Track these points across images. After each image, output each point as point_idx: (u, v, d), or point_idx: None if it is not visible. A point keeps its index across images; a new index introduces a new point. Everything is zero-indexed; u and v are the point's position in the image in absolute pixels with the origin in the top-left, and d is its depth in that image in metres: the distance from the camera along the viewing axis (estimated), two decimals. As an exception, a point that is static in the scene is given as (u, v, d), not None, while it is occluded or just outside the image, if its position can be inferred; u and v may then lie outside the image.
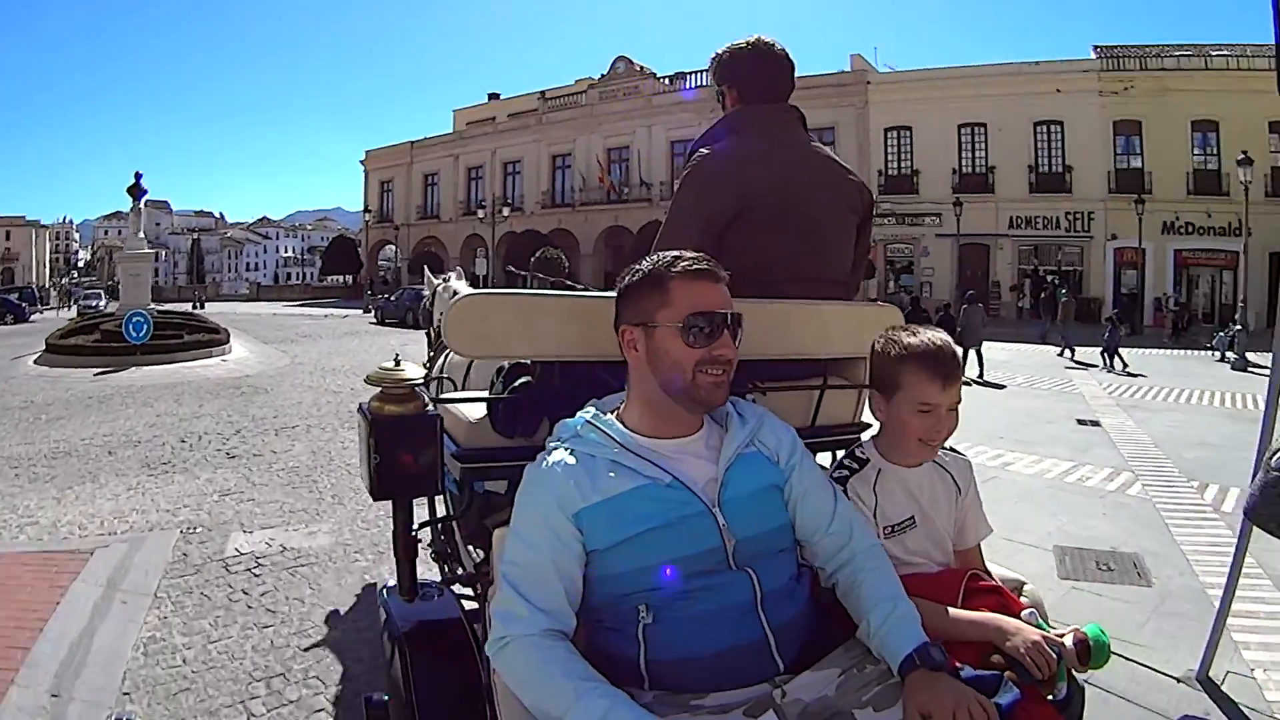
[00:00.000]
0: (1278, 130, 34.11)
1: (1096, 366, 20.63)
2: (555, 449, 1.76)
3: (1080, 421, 12.19)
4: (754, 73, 2.62)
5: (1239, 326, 22.68)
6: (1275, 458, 1.79)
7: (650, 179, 45.61)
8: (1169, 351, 26.56)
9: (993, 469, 8.54)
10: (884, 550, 1.87)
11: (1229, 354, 22.73)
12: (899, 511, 2.05)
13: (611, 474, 1.69)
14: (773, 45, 2.64)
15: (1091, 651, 1.76)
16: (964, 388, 2.11)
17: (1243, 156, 23.87)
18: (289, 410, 11.75)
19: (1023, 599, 1.99)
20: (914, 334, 2.04)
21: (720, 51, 2.68)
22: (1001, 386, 16.38)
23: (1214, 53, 37.02)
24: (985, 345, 18.91)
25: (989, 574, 2.08)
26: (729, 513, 1.69)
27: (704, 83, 44.20)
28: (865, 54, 42.91)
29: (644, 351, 1.77)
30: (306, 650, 4.17)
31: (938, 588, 1.92)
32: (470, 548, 2.94)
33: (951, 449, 2.18)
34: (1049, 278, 36.18)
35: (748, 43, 2.64)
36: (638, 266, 1.80)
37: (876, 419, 2.14)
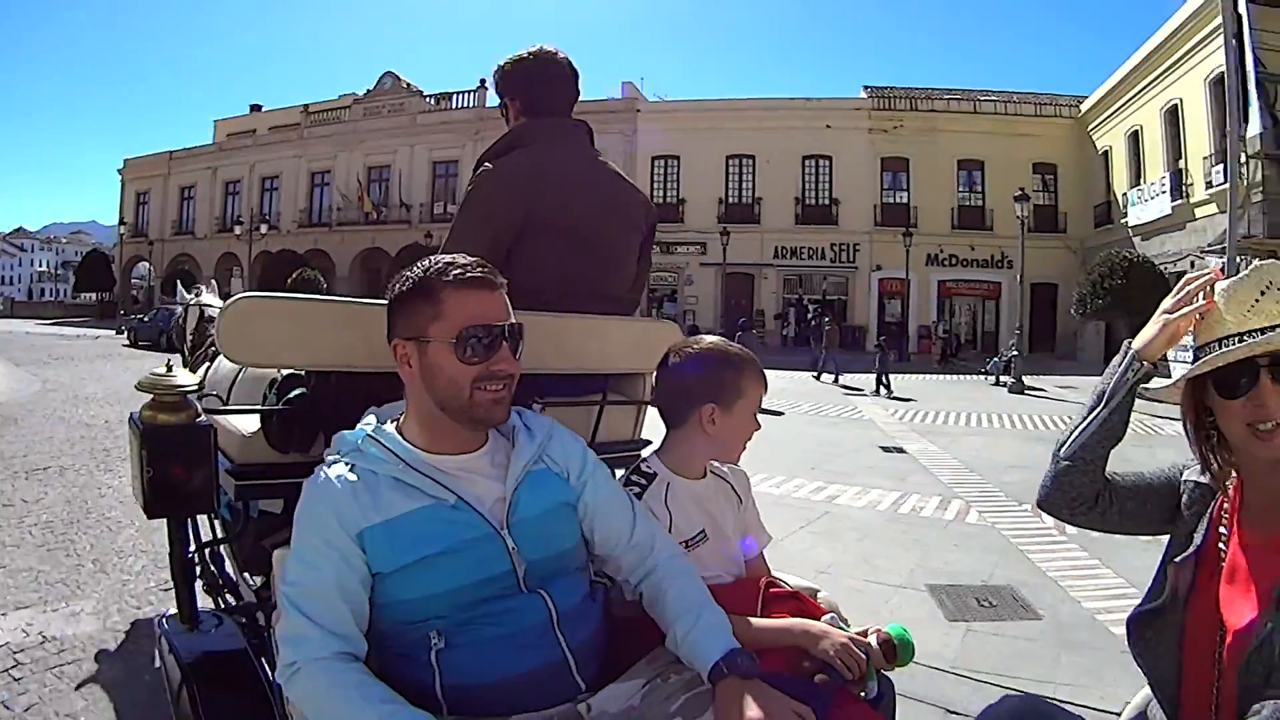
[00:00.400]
0: (1039, 171, 37.19)
1: (863, 391, 20.75)
2: (334, 463, 1.64)
3: (885, 449, 11.97)
4: (537, 84, 2.58)
5: (1015, 352, 23.16)
6: (1062, 449, 1.73)
7: (410, 200, 43.25)
8: (941, 377, 27.36)
9: (820, 503, 8.13)
10: (686, 559, 1.85)
11: (1004, 378, 23.62)
12: (691, 525, 2.01)
13: (394, 492, 1.58)
14: (555, 54, 2.61)
15: (897, 650, 1.84)
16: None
17: (1020, 193, 24.72)
18: (40, 447, 10.35)
19: (820, 604, 2.03)
20: (729, 343, 2.07)
21: (502, 63, 2.63)
22: (779, 413, 15.74)
23: (982, 98, 39.40)
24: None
25: (782, 581, 2.09)
26: (518, 535, 1.63)
27: (469, 103, 42.42)
28: (636, 83, 42.47)
29: (418, 368, 1.64)
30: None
31: (737, 597, 1.88)
32: (246, 575, 2.78)
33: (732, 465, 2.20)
34: (811, 306, 36.44)
35: (530, 53, 2.60)
36: (407, 274, 1.67)
37: (697, 434, 2.02)
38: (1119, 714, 2.36)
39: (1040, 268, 34.26)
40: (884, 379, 20.83)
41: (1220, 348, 1.49)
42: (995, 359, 25.68)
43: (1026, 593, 5.37)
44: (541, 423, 1.85)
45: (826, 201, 38.29)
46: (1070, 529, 6.56)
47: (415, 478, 1.59)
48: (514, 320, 1.66)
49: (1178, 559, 1.63)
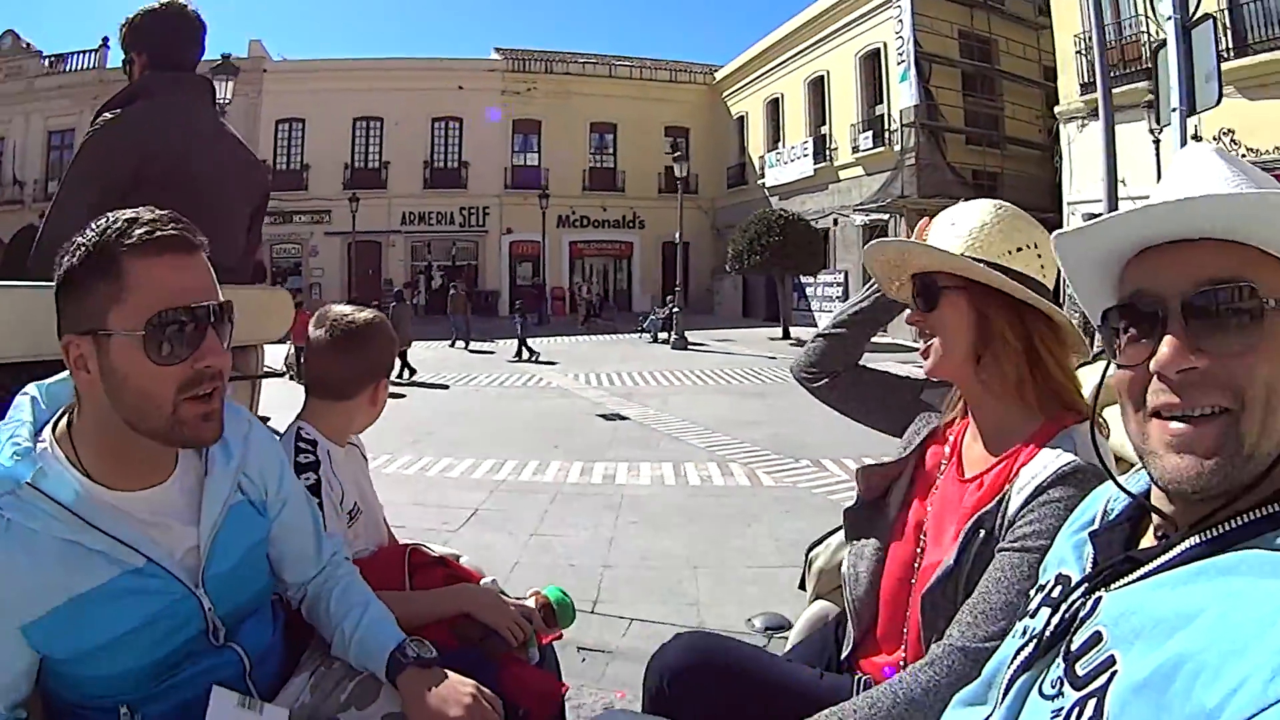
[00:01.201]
0: (671, 134, 37.77)
1: (506, 357, 20.46)
2: None
3: (605, 417, 11.69)
4: (165, 38, 2.47)
5: (676, 309, 23.79)
6: (825, 326, 1.98)
7: (24, 176, 35.19)
8: (591, 337, 27.12)
9: (610, 490, 7.45)
10: (345, 558, 1.71)
11: (661, 335, 24.45)
12: (350, 497, 1.91)
13: (62, 565, 1.21)
14: (185, 7, 2.52)
15: (557, 613, 1.92)
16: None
17: (678, 153, 25.90)
18: None
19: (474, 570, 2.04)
20: (383, 315, 2.01)
21: (132, 16, 2.49)
22: (445, 387, 15.54)
23: (617, 63, 39.42)
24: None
25: (426, 547, 2.03)
26: (214, 589, 1.37)
27: (89, 64, 38.05)
28: (262, 42, 37.30)
29: (97, 373, 1.24)
30: None
31: (383, 568, 1.84)
32: None
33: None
34: (438, 275, 35.19)
35: (160, 4, 2.47)
36: (79, 240, 1.24)
37: (374, 405, 1.98)
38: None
39: (672, 227, 35.19)
40: (525, 343, 20.48)
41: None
42: (653, 316, 25.87)
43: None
44: (237, 425, 1.48)
45: (456, 165, 36.40)
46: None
47: (93, 538, 1.22)
48: (222, 297, 1.31)
49: (893, 463, 1.76)
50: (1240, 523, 0.86)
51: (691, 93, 39.18)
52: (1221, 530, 0.87)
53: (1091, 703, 0.85)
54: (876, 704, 1.31)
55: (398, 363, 16.11)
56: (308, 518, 1.62)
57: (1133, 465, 1.37)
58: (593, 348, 23.69)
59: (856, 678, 1.63)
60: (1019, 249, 1.56)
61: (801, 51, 31.26)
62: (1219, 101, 6.07)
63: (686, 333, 22.92)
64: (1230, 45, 15.57)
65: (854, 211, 26.71)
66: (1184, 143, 5.80)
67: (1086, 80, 19.14)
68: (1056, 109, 21.46)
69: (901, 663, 1.54)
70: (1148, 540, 0.99)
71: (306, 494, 1.68)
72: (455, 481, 7.83)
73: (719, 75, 38.54)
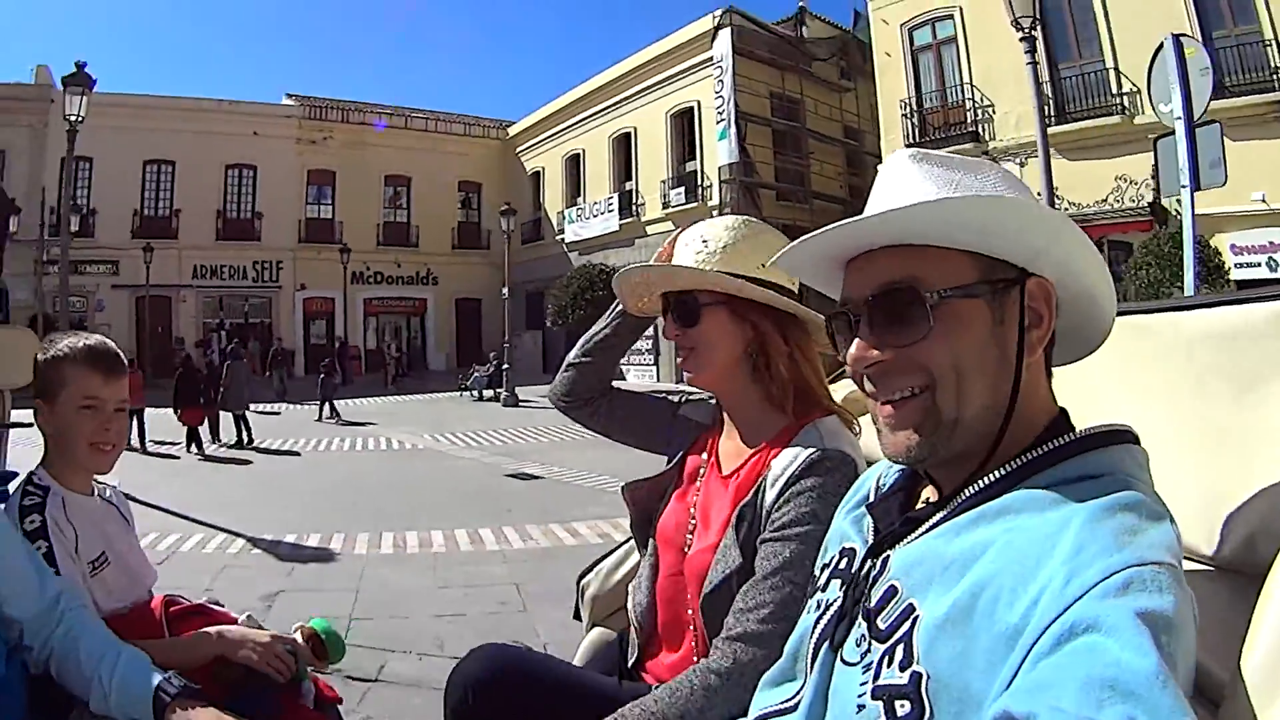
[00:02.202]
0: (465, 189, 37.77)
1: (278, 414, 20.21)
2: None
3: (516, 476, 11.40)
4: None
5: (506, 365, 23.12)
6: (574, 356, 1.99)
7: None
8: (407, 397, 26.35)
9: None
10: (88, 608, 1.64)
11: (486, 392, 24.30)
12: (94, 546, 1.81)
13: None
14: None
15: (326, 645, 1.83)
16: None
17: (506, 207, 25.29)
18: None
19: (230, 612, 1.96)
20: (72, 335, 1.90)
21: None
22: (296, 454, 14.51)
23: (412, 114, 38.74)
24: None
25: (182, 597, 1.97)
26: None
27: None
28: (49, 69, 33.07)
29: None
30: None
31: (140, 624, 1.77)
32: None
33: (112, 486, 2.02)
34: (222, 334, 32.77)
35: None
36: None
37: (45, 437, 1.85)
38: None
39: (464, 284, 35.96)
40: (331, 404, 20.07)
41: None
42: (476, 373, 25.43)
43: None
44: None
45: (250, 215, 34.58)
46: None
47: None
48: None
49: (661, 474, 1.84)
50: (1001, 474, 0.95)
51: (484, 147, 38.88)
52: (988, 481, 0.95)
53: (900, 648, 0.90)
54: (675, 692, 1.37)
55: (233, 427, 15.45)
56: (19, 551, 1.58)
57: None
58: (417, 407, 23.09)
59: (642, 686, 1.65)
60: (770, 262, 1.50)
61: (607, 109, 31.49)
62: (1224, 183, 7.63)
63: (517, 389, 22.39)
64: (1052, 114, 18.06)
65: (657, 267, 26.89)
66: (1193, 214, 7.62)
67: (911, 140, 21.69)
68: (880, 167, 22.50)
69: (696, 658, 1.58)
70: (922, 506, 1.06)
71: (11, 527, 1.64)
72: (485, 555, 7.11)
73: (512, 131, 38.45)
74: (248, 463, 13.61)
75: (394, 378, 30.80)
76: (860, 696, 0.93)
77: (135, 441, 14.16)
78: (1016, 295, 0.97)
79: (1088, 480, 0.89)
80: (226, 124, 33.85)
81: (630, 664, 1.75)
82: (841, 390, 1.94)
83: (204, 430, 14.74)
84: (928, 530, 0.98)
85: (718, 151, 25.90)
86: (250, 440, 15.35)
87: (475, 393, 24.83)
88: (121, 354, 1.94)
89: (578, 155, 33.59)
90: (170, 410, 14.55)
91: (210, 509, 8.78)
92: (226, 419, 15.60)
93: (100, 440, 1.84)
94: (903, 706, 0.87)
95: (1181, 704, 0.67)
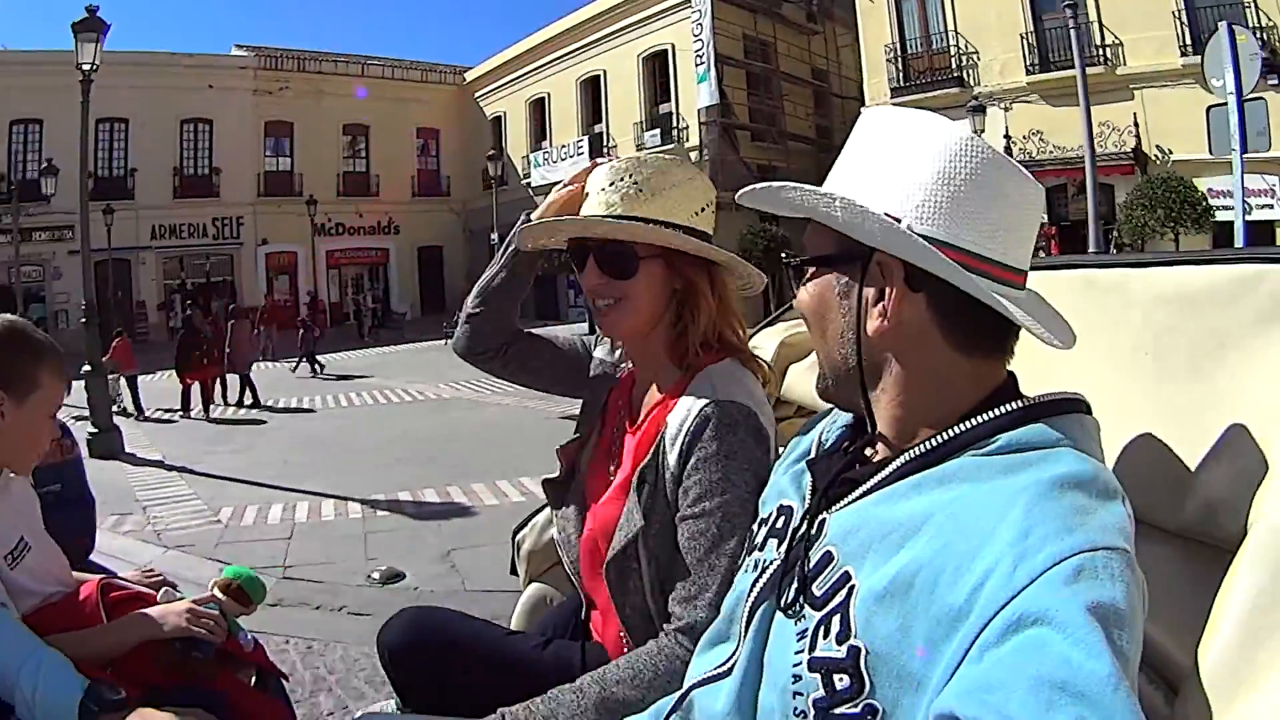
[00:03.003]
0: (423, 136, 37.78)
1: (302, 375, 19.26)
2: None
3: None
4: None
5: None
6: (471, 301, 1.85)
7: None
8: (392, 348, 25.85)
9: None
10: (4, 607, 1.51)
11: None
12: (11, 534, 1.65)
13: None
14: None
15: (246, 591, 1.80)
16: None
17: (492, 153, 26.32)
18: None
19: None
20: (30, 325, 1.76)
21: None
22: (311, 410, 14.22)
23: (369, 63, 37.44)
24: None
25: (123, 581, 1.86)
26: None
27: None
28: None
29: None
30: None
31: (74, 612, 1.66)
32: None
33: None
34: (182, 295, 31.31)
35: None
36: None
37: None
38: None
39: (426, 232, 35.02)
40: (314, 358, 19.74)
41: None
42: (458, 318, 24.40)
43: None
44: None
45: (207, 171, 32.91)
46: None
47: None
48: None
49: (581, 422, 1.79)
50: (943, 439, 0.93)
51: (442, 93, 37.80)
52: (931, 445, 0.93)
53: (836, 618, 0.89)
54: (639, 673, 1.33)
55: (237, 387, 14.85)
56: None
57: (795, 406, 1.90)
58: (405, 357, 22.57)
59: (584, 645, 1.63)
60: (702, 209, 1.58)
61: (572, 52, 31.08)
62: (1269, 148, 9.00)
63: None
64: (1036, 62, 19.58)
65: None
66: (1243, 172, 8.92)
67: (897, 85, 22.32)
68: (863, 109, 23.40)
69: (622, 634, 1.52)
70: (862, 468, 1.04)
71: None
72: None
73: (469, 76, 37.47)
74: (262, 422, 13.06)
75: (371, 328, 30.18)
76: (796, 666, 0.91)
77: (130, 408, 13.76)
78: (859, 269, 1.00)
79: (1034, 451, 0.87)
80: (179, 78, 31.95)
81: (583, 619, 1.72)
82: (789, 330, 2.03)
83: (197, 393, 14.08)
84: (866, 494, 0.97)
85: (697, 93, 25.86)
86: (256, 401, 14.74)
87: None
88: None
89: (542, 99, 33.06)
90: (156, 375, 14.05)
91: (291, 475, 8.31)
92: (229, 382, 15.05)
93: (44, 449, 1.78)
94: (841, 680, 0.86)
95: (1133, 707, 0.65)
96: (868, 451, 1.05)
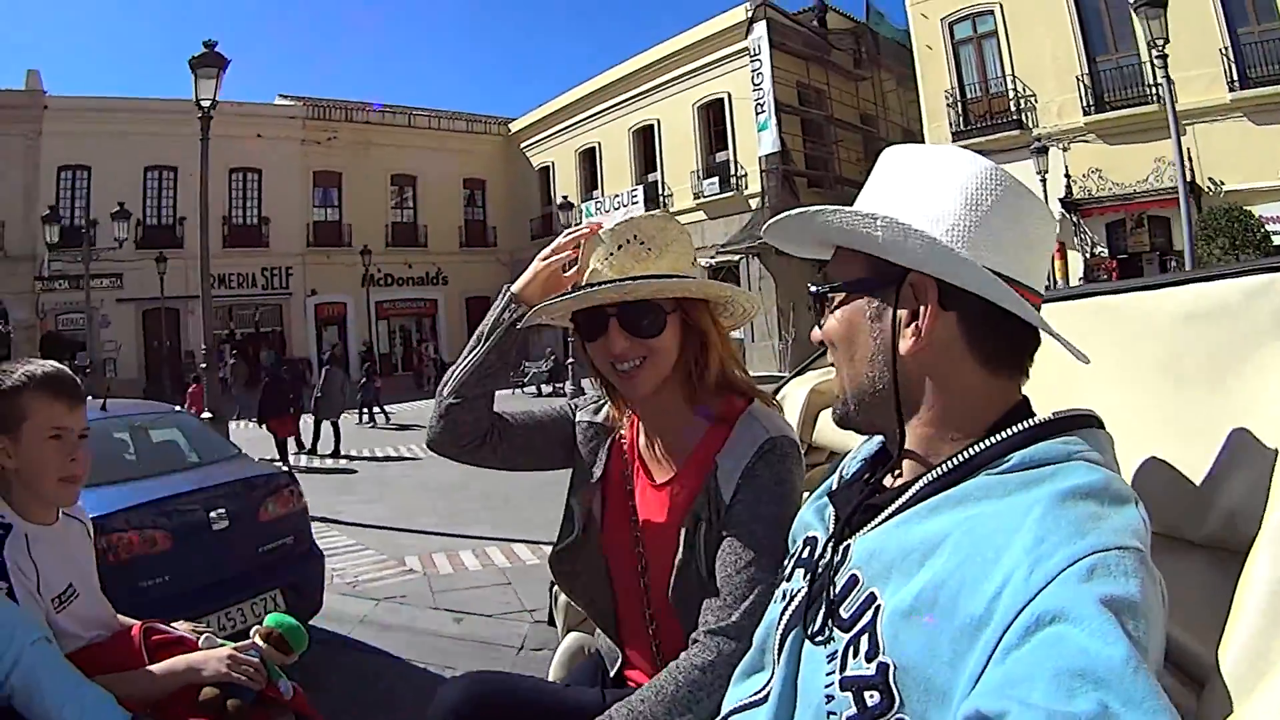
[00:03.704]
0: (470, 187, 37.12)
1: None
2: None
3: None
4: None
5: (571, 359, 22.57)
6: (446, 388, 1.72)
7: None
8: None
9: None
10: (51, 642, 1.59)
11: (545, 387, 24.48)
12: (60, 579, 1.76)
13: None
14: None
15: (288, 639, 1.84)
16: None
17: (563, 201, 26.08)
18: None
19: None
20: (24, 363, 1.79)
21: None
22: (409, 458, 13.82)
23: (415, 112, 37.41)
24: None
25: (166, 627, 1.92)
26: None
27: None
28: (40, 73, 31.28)
29: None
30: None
31: (121, 654, 1.75)
32: None
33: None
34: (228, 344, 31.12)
35: None
36: None
37: (7, 472, 1.73)
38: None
39: (473, 282, 34.18)
40: (377, 405, 19.34)
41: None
42: (534, 369, 25.11)
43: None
44: None
45: (256, 220, 32.38)
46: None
47: None
48: None
49: (581, 490, 1.71)
50: (958, 462, 0.94)
51: (487, 144, 37.51)
52: (945, 470, 0.94)
53: (864, 638, 0.89)
54: (661, 690, 1.33)
55: (326, 436, 14.62)
56: None
57: (827, 452, 2.01)
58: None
59: (629, 690, 1.53)
60: (694, 260, 1.60)
61: (624, 102, 31.08)
62: None
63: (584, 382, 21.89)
64: (1092, 103, 20.09)
65: (704, 254, 26.65)
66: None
67: (958, 129, 22.51)
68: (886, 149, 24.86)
69: (661, 659, 1.52)
70: (883, 495, 1.04)
71: None
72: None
73: (514, 127, 37.29)
74: (353, 471, 12.84)
75: (431, 379, 29.52)
76: (829, 687, 0.92)
77: None
78: (893, 291, 1.00)
79: (1047, 466, 0.88)
80: (228, 126, 31.62)
81: (613, 672, 1.70)
82: (819, 378, 2.06)
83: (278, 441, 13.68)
84: (887, 519, 0.98)
85: (759, 141, 25.80)
86: (337, 449, 14.47)
87: (534, 388, 24.50)
88: (78, 380, 1.85)
89: (593, 149, 32.83)
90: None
91: (455, 520, 8.36)
92: (306, 428, 14.67)
93: (68, 473, 1.76)
94: (872, 697, 0.86)
95: (1154, 688, 0.66)
96: (887, 481, 1.06)
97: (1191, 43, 18.22)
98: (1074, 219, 20.29)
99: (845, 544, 1.02)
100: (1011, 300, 0.94)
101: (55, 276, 28.98)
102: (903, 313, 0.99)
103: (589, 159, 33.16)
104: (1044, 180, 18.84)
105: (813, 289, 1.09)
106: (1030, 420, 0.94)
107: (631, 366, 1.53)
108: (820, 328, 1.10)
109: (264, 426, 13.65)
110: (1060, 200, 19.91)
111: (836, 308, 1.06)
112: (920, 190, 1.02)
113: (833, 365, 1.13)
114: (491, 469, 1.81)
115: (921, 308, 0.98)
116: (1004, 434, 0.93)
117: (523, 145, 36.54)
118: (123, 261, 29.80)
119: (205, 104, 11.07)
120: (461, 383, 1.69)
